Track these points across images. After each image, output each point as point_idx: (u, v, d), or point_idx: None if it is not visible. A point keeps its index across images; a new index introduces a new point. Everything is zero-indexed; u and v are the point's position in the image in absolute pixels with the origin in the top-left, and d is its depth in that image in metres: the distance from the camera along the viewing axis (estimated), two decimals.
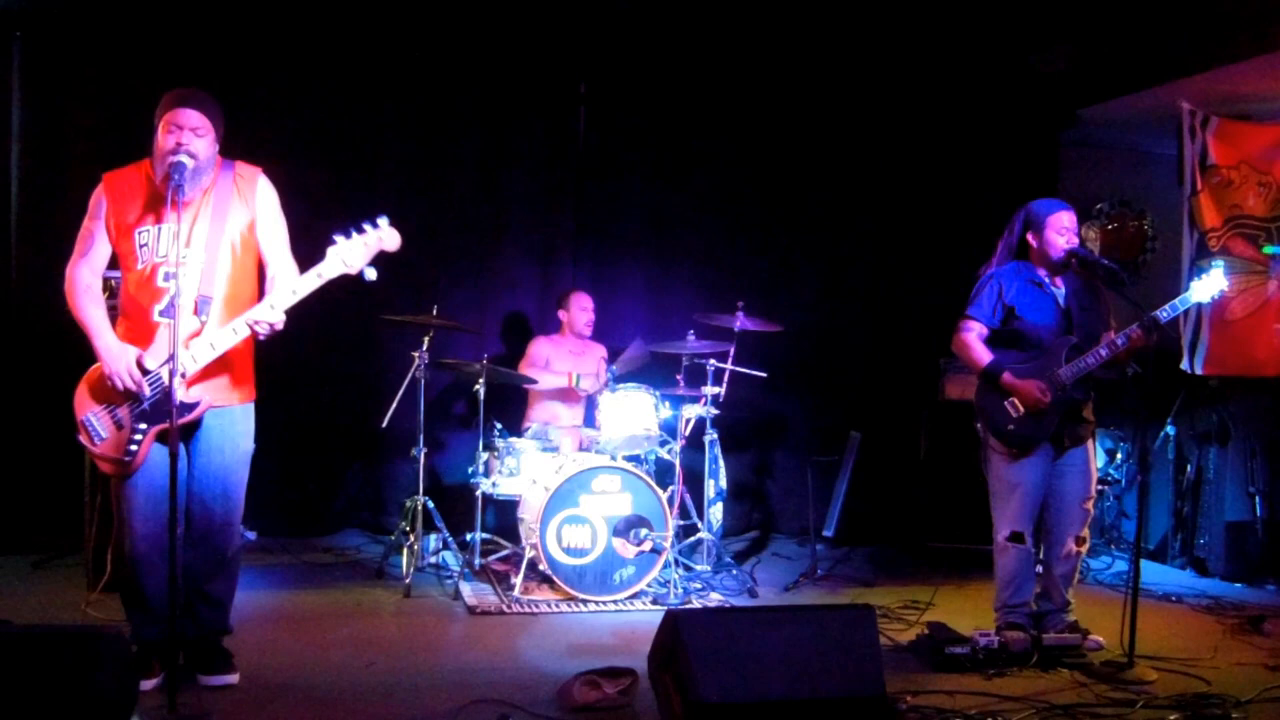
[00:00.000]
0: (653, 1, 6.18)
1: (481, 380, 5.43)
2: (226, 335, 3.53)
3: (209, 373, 3.58)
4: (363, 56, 6.20)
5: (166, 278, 3.53)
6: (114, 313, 3.71)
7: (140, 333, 3.57)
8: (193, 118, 3.52)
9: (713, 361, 5.65)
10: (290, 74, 6.11)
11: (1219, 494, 6.18)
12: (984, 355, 4.31)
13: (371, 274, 3.58)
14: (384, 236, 3.58)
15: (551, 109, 6.62)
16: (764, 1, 6.06)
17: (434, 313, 5.36)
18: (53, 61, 5.79)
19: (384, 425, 5.42)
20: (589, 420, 5.95)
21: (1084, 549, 4.41)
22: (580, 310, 6.08)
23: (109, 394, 3.54)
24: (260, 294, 3.71)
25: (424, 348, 5.33)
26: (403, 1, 5.97)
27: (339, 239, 3.54)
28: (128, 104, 5.85)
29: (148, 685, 3.48)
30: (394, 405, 5.42)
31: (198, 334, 3.53)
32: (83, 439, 3.57)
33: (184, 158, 3.45)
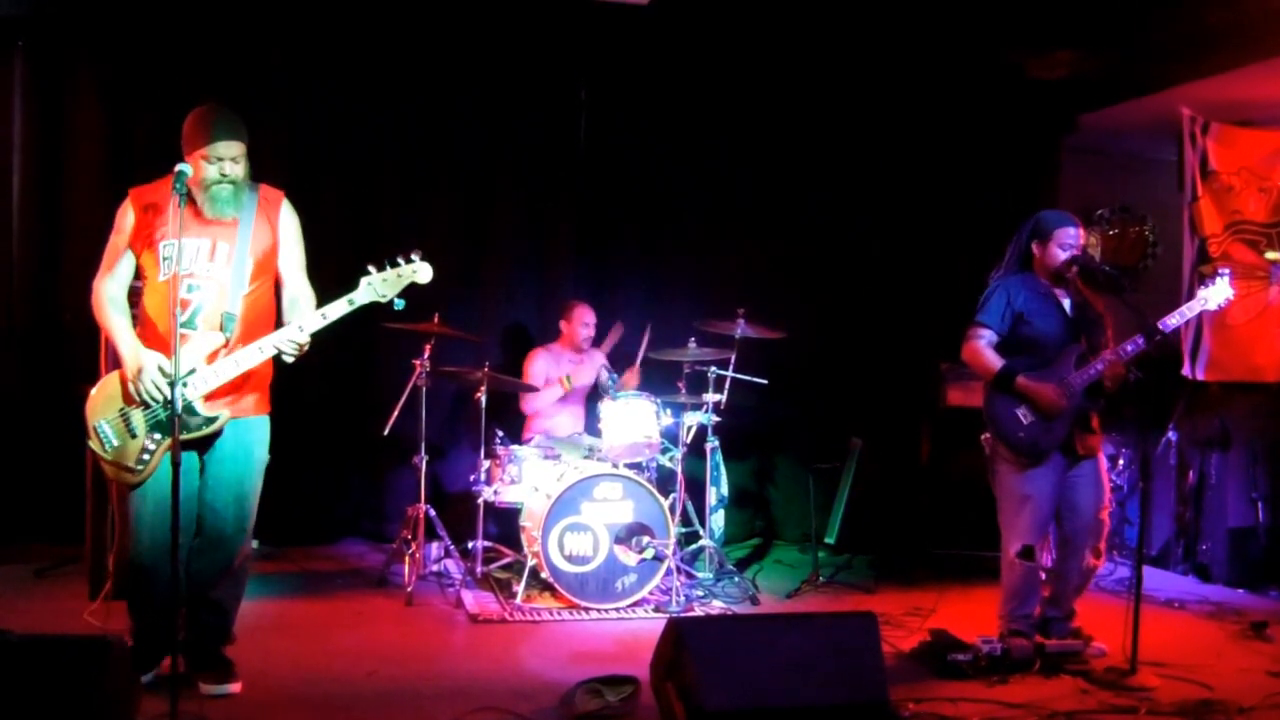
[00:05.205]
0: (653, 6, 6.18)
1: (483, 388, 5.43)
2: (252, 353, 3.58)
3: (230, 387, 3.62)
4: (362, 61, 6.20)
5: (190, 290, 3.58)
6: (134, 321, 3.73)
7: (160, 342, 3.59)
8: (234, 148, 3.59)
9: (714, 368, 5.64)
10: (289, 80, 6.11)
11: (1221, 500, 6.16)
12: (995, 361, 4.29)
13: (400, 303, 3.67)
14: (418, 269, 3.66)
15: (552, 114, 6.62)
16: (765, 6, 6.06)
17: (435, 320, 5.36)
18: (54, 70, 5.80)
19: (385, 433, 5.43)
20: (590, 428, 5.95)
21: (1101, 562, 4.40)
22: (582, 325, 6.06)
23: (124, 401, 3.56)
24: (275, 315, 3.77)
25: (425, 356, 5.33)
26: (402, 6, 5.98)
27: (373, 269, 3.62)
28: (128, 113, 5.87)
29: (147, 685, 3.48)
30: (395, 413, 5.42)
31: (221, 350, 3.57)
32: (93, 445, 3.59)
33: (228, 189, 3.57)
